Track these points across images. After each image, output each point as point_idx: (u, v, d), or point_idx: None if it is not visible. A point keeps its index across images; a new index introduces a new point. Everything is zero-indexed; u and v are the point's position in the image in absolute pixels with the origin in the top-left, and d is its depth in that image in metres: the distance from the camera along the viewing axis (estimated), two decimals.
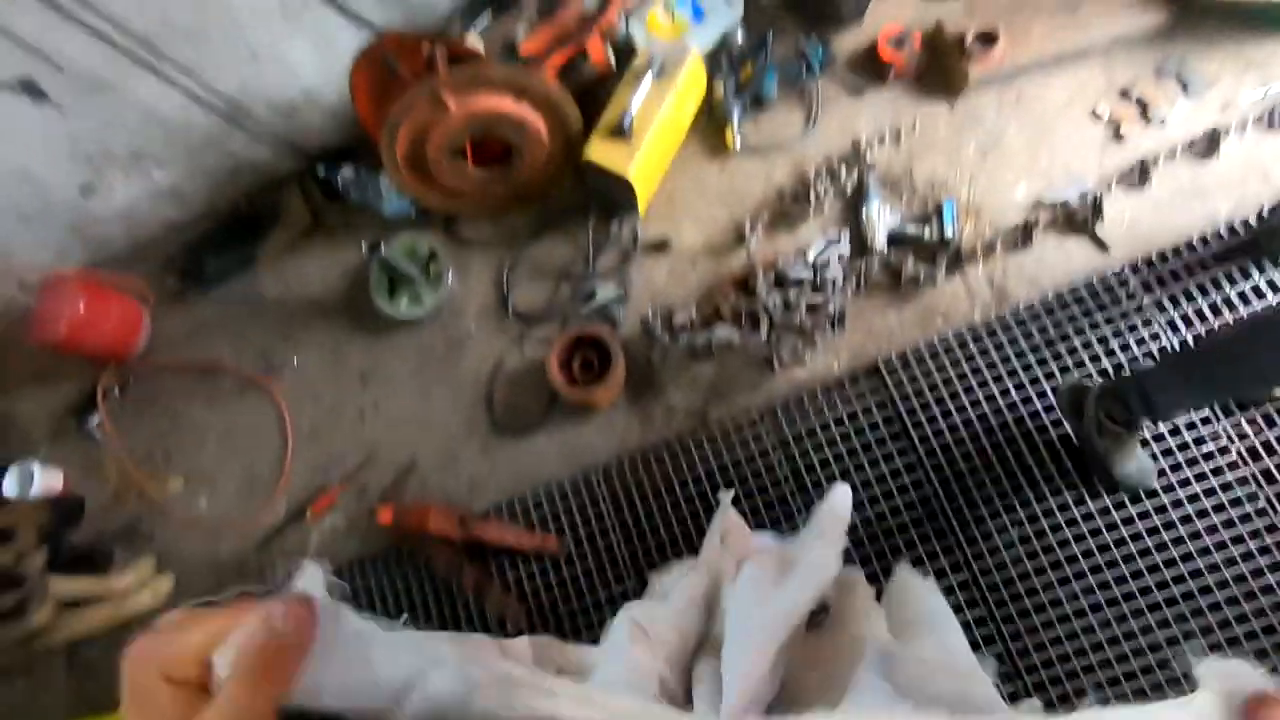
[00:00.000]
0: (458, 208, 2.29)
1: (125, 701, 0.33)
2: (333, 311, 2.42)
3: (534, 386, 2.15)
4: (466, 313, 2.30)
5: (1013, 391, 1.86)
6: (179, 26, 1.92)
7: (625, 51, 2.26)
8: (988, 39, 2.06)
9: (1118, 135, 2.04)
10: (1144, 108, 2.04)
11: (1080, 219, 1.96)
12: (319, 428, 2.31)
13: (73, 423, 2.48)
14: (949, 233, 1.99)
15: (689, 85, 2.10)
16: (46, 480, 2.35)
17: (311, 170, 2.47)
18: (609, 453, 2.06)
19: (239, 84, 2.16)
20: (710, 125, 2.27)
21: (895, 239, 2.03)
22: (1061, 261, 1.98)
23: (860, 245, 2.04)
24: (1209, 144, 1.95)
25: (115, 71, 1.97)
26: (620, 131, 1.99)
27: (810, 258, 2.01)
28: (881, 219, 2.03)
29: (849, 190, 2.10)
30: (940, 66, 2.17)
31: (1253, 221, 1.88)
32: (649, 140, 2.03)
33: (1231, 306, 1.83)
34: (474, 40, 2.07)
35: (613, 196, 2.17)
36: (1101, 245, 1.95)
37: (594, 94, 2.23)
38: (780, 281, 2.01)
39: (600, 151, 2.02)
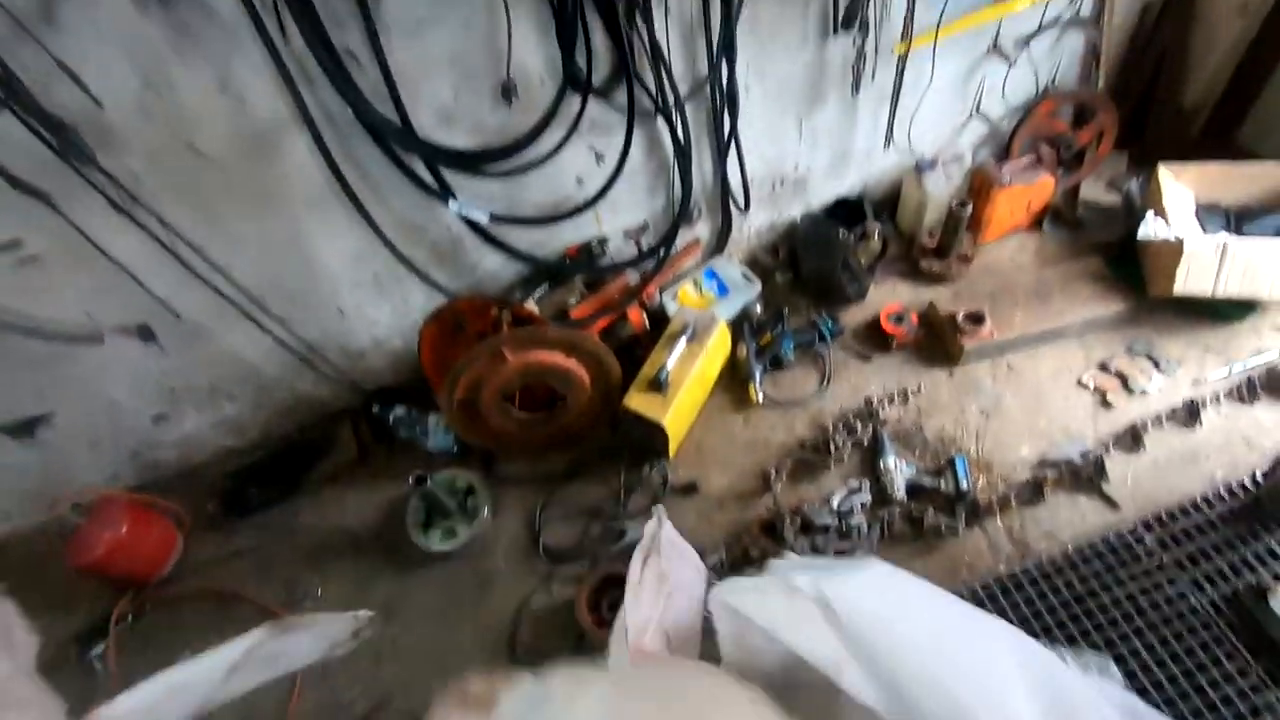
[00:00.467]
0: (500, 447, 2.46)
1: None
2: (365, 543, 2.47)
3: (560, 626, 2.13)
4: (497, 549, 2.35)
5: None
6: (286, 287, 2.26)
7: (658, 317, 2.60)
8: (976, 319, 2.38)
9: (1105, 403, 2.26)
10: (1124, 380, 2.30)
11: (1085, 477, 2.10)
12: (330, 667, 2.22)
13: (75, 652, 2.39)
14: (964, 485, 2.12)
15: (717, 347, 2.39)
16: None
17: (365, 407, 2.69)
18: None
19: (321, 332, 2.46)
20: (735, 382, 2.52)
21: (914, 489, 2.16)
22: (1075, 517, 2.07)
23: (881, 495, 2.16)
24: (1189, 414, 2.17)
25: (221, 320, 2.26)
26: (657, 385, 2.22)
27: (834, 505, 2.12)
28: (899, 470, 2.17)
29: (865, 442, 2.28)
30: (937, 339, 2.48)
31: (1249, 484, 2.01)
32: (682, 393, 2.25)
33: (1250, 568, 1.89)
34: (532, 305, 2.40)
35: (646, 442, 2.34)
36: (1111, 503, 2.07)
37: (630, 351, 2.53)
38: (806, 527, 2.09)
39: (639, 401, 2.23)
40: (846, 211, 2.72)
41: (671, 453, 2.36)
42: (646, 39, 1.88)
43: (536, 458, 2.51)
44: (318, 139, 1.86)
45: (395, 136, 1.88)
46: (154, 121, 1.74)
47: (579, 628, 2.03)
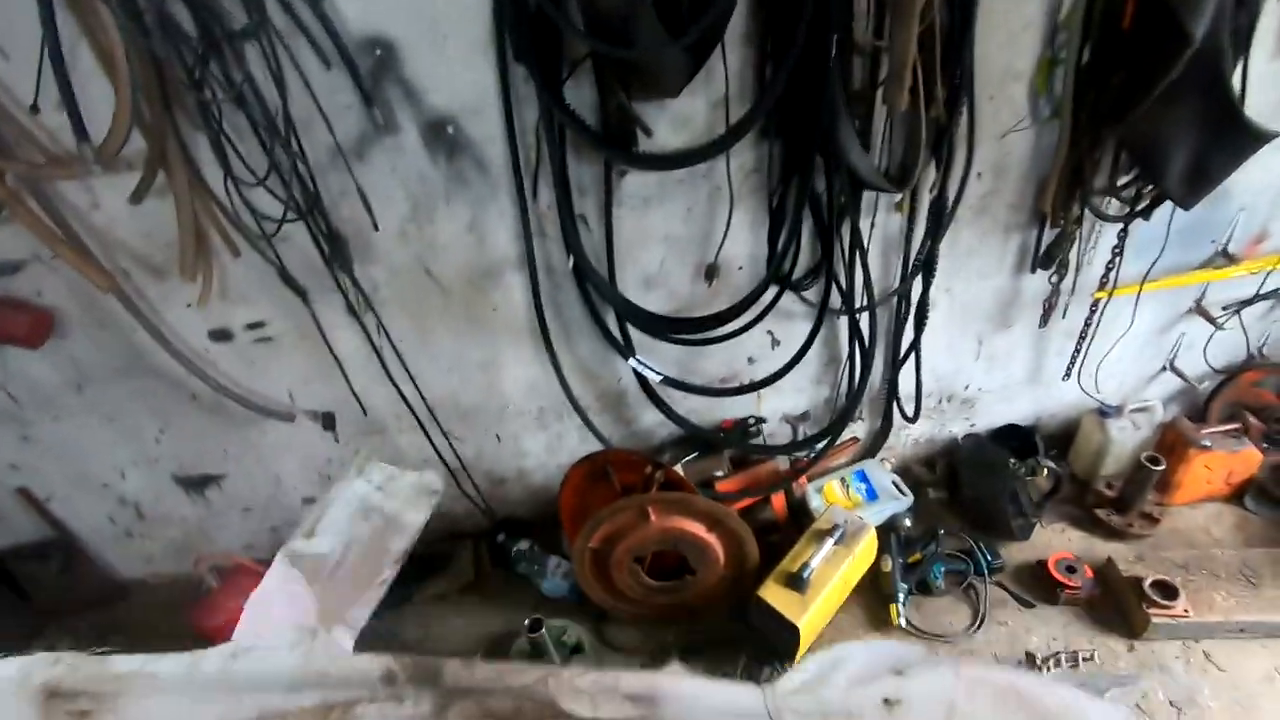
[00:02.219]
0: (617, 609, 2.36)
1: None
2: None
3: None
4: None
5: None
6: (460, 404, 2.40)
7: (798, 509, 2.51)
8: (1167, 590, 2.11)
9: None
10: None
11: None
12: None
13: None
14: None
15: (863, 555, 2.25)
16: None
17: (492, 533, 2.71)
18: None
19: (476, 452, 2.56)
20: (874, 597, 2.34)
21: None
22: None
23: None
24: None
25: (395, 423, 2.42)
26: (798, 582, 2.10)
27: None
28: None
29: None
30: (1115, 602, 2.21)
31: None
32: (822, 597, 2.10)
33: None
34: (678, 469, 2.40)
35: (771, 640, 2.18)
36: None
37: (764, 538, 2.43)
38: None
39: (775, 594, 2.11)
40: (1015, 441, 2.60)
41: (798, 658, 2.16)
42: (848, 245, 1.99)
43: (650, 627, 2.39)
44: (534, 280, 2.05)
45: (599, 289, 2.04)
46: (407, 245, 2.00)
47: None
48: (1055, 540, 2.44)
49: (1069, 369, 2.45)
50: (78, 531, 2.70)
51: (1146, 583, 2.12)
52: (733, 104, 1.76)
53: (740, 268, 2.13)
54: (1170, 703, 1.99)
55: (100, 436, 2.39)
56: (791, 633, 2.07)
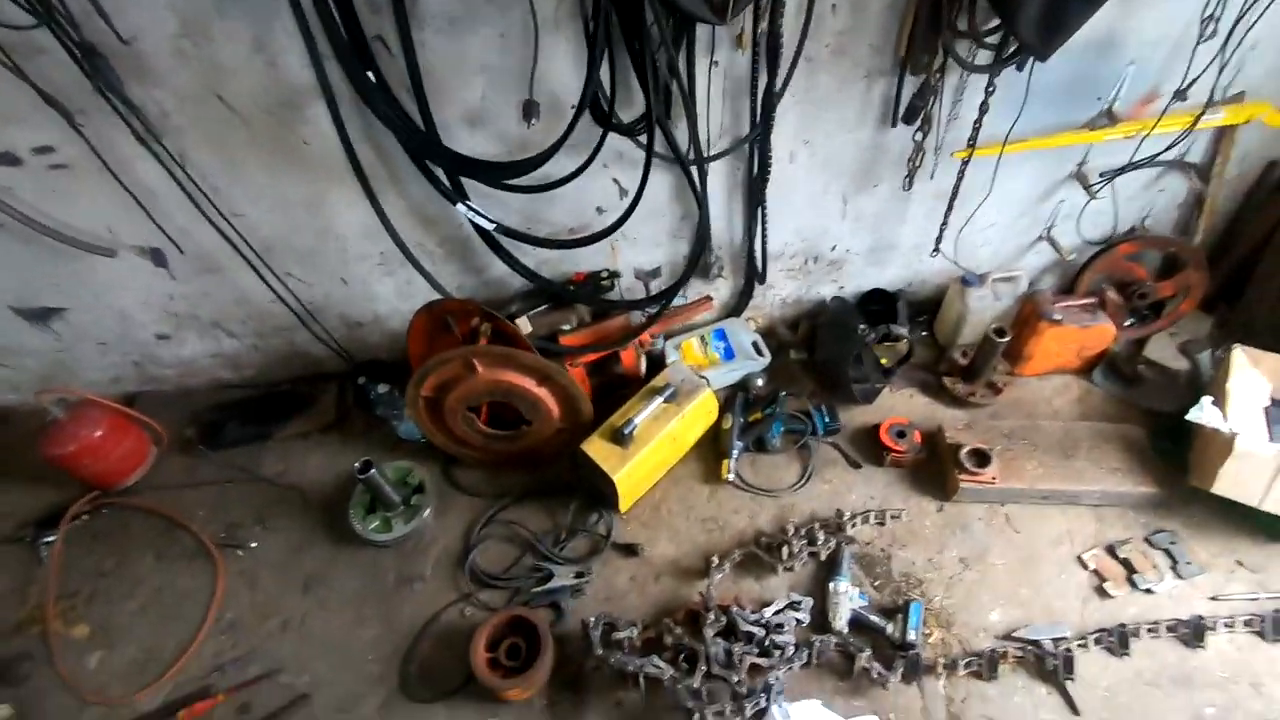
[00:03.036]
0: (461, 453, 2.41)
1: None
2: (311, 508, 2.48)
3: (460, 655, 2.05)
4: (430, 553, 2.30)
5: None
6: (294, 245, 2.28)
7: (659, 364, 2.49)
8: (981, 457, 2.16)
9: (1102, 590, 2.01)
10: (1130, 570, 2.03)
11: (1052, 667, 1.87)
12: (241, 621, 2.24)
13: (31, 532, 2.50)
14: (912, 636, 1.92)
15: (698, 413, 2.27)
16: None
17: (353, 376, 2.70)
18: None
19: (324, 296, 2.48)
20: (712, 453, 2.39)
21: (858, 623, 1.97)
22: (1027, 707, 1.85)
23: (821, 619, 1.98)
24: (1195, 632, 1.89)
25: (229, 262, 2.31)
26: (620, 437, 2.12)
27: (766, 615, 1.96)
28: (848, 598, 1.99)
29: (824, 557, 2.10)
30: (937, 467, 2.26)
31: None
32: (646, 451, 2.15)
33: None
34: (524, 323, 2.34)
35: (599, 489, 2.25)
36: (1072, 706, 1.82)
37: (619, 391, 2.44)
38: (729, 631, 1.94)
39: (597, 448, 2.14)
40: (882, 306, 2.53)
41: (623, 508, 2.25)
42: (681, 87, 1.79)
43: (494, 473, 2.46)
44: (335, 115, 1.86)
45: (390, 123, 1.85)
46: (188, 65, 1.77)
47: (469, 666, 1.95)
48: (901, 405, 2.46)
49: (938, 238, 2.32)
50: None
51: (963, 450, 2.16)
52: None
53: (573, 107, 1.92)
54: (960, 559, 2.11)
55: None
56: (610, 485, 2.12)
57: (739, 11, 1.58)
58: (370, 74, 1.75)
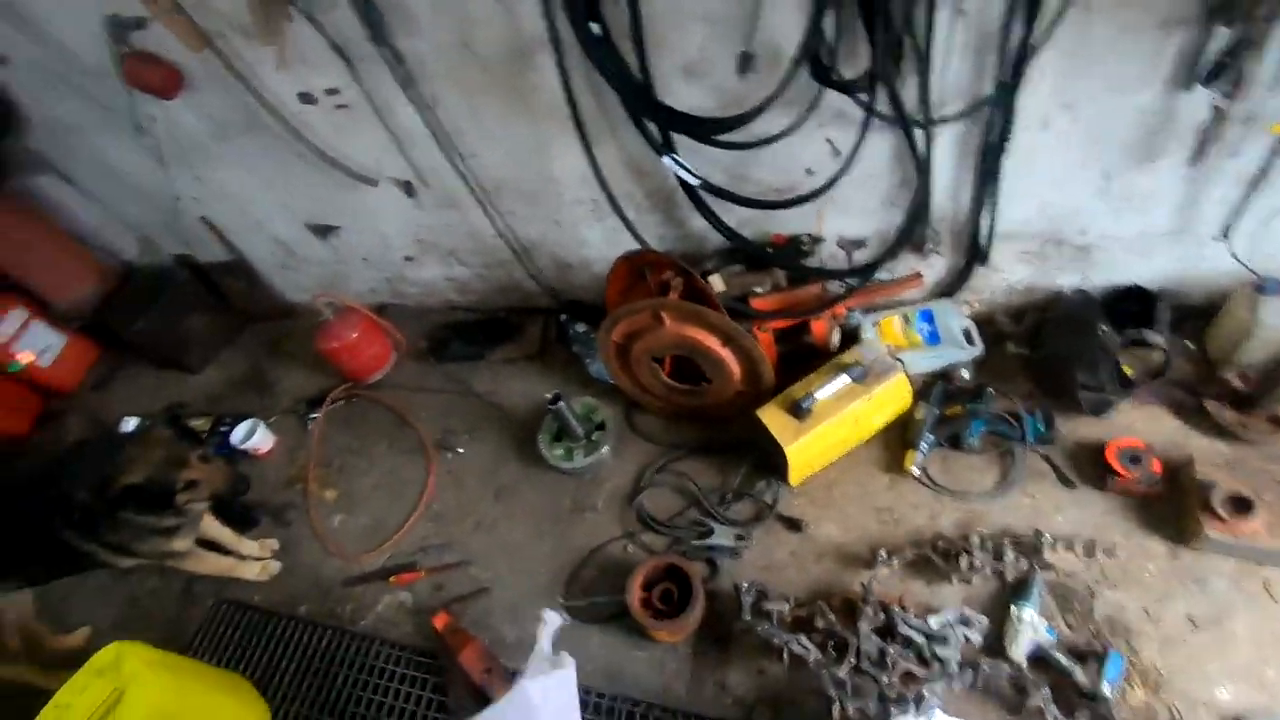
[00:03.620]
0: (642, 400, 2.51)
1: None
2: (512, 427, 2.75)
3: (615, 586, 2.19)
4: (602, 488, 2.45)
5: None
6: (519, 186, 2.47)
7: (850, 338, 2.36)
8: (1243, 505, 1.77)
9: None
10: None
11: None
12: (444, 514, 2.58)
13: (303, 408, 3.08)
14: (1106, 689, 1.67)
15: (888, 397, 2.12)
16: (262, 440, 2.94)
17: (557, 313, 2.90)
18: (645, 691, 1.98)
19: (539, 235, 2.67)
20: (897, 440, 2.23)
21: (1038, 658, 1.76)
22: None
23: (996, 643, 1.80)
24: None
25: (462, 199, 2.57)
26: (798, 409, 2.06)
27: (933, 624, 1.82)
28: (1033, 627, 1.78)
29: (1010, 578, 1.89)
30: (1175, 503, 1.90)
31: None
32: (824, 427, 2.06)
33: None
34: (717, 281, 2.33)
35: (771, 458, 2.21)
36: None
37: (807, 361, 2.36)
38: (888, 630, 1.84)
39: (772, 417, 2.10)
40: (1137, 307, 2.13)
41: (793, 481, 2.20)
42: (915, 39, 1.60)
43: (671, 423, 2.52)
44: (560, 60, 1.94)
45: (608, 74, 1.88)
46: (444, 16, 1.96)
47: (624, 599, 2.06)
48: (1140, 425, 2.09)
49: (1225, 228, 1.87)
50: (251, 259, 3.34)
51: (1219, 490, 1.78)
52: None
53: (796, 60, 1.82)
54: (1189, 617, 1.78)
55: (248, 183, 2.83)
56: (782, 456, 2.08)
57: None
58: (595, 25, 1.79)
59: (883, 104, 1.76)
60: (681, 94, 1.96)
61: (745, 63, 1.79)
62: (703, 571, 2.13)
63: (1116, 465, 1.94)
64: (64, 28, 2.30)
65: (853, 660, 1.79)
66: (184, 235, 3.34)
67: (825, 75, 1.70)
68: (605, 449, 2.46)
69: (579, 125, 2.10)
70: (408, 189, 2.62)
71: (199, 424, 3.12)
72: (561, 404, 2.34)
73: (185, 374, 3.53)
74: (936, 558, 1.95)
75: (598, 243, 2.64)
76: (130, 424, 3.19)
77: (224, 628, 2.50)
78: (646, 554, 2.24)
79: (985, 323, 2.36)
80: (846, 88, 1.73)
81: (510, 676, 2.04)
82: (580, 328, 2.78)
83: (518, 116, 2.20)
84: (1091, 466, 2.04)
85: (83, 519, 1.96)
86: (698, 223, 2.42)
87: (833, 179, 1.93)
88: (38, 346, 3.50)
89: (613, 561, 2.27)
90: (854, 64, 1.73)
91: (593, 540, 2.34)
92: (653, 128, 2.04)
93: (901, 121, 1.72)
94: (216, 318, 3.56)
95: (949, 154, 1.92)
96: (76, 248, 3.44)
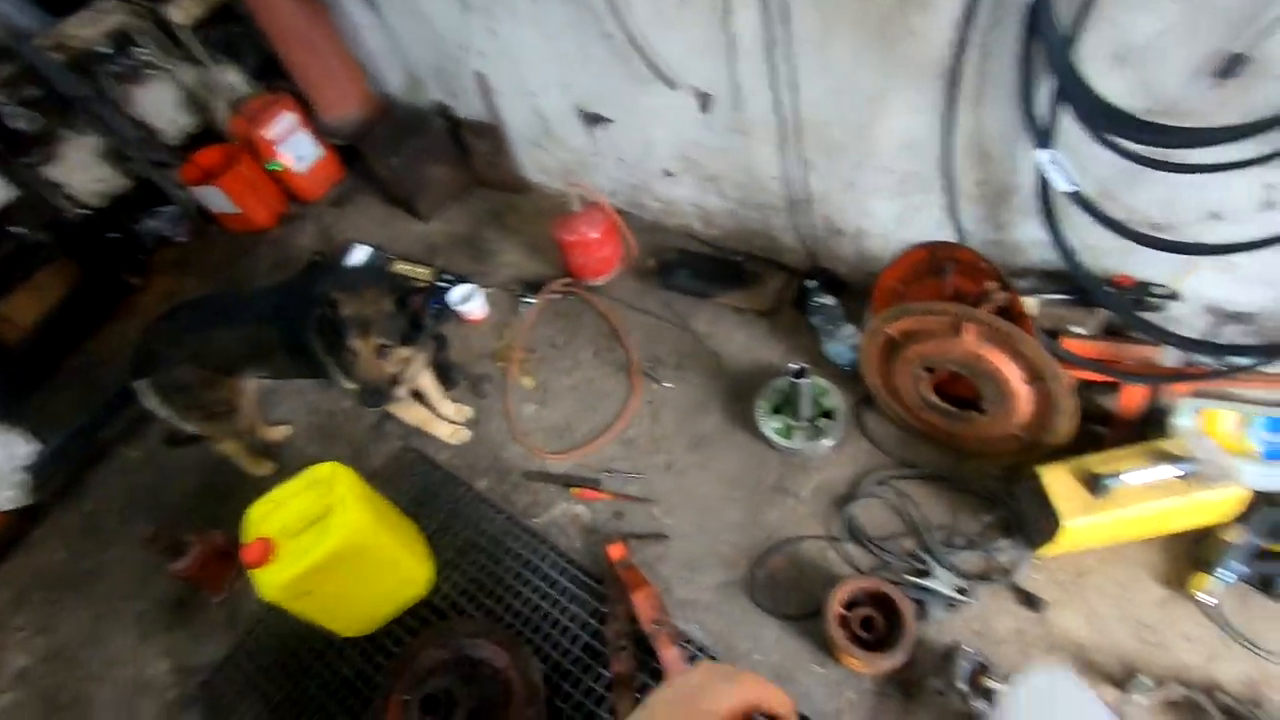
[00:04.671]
0: (885, 402, 2.26)
1: None
2: (721, 377, 2.60)
3: (805, 587, 2.04)
4: (811, 478, 2.27)
5: None
6: (829, 134, 2.20)
7: (1153, 417, 1.99)
8: None
9: None
10: None
11: None
12: (636, 441, 2.50)
13: (519, 288, 3.07)
14: None
15: (1206, 507, 1.76)
16: (478, 307, 2.97)
17: (804, 276, 2.66)
18: (814, 712, 1.84)
19: (823, 191, 2.41)
20: (1187, 552, 1.88)
21: None
22: None
23: None
24: None
25: (758, 129, 2.34)
26: (1095, 484, 1.75)
27: None
28: None
29: None
30: None
31: None
32: (1114, 515, 1.75)
33: None
34: (1031, 304, 2.00)
35: (1027, 519, 1.94)
36: None
37: (1090, 425, 2.02)
38: None
39: (1058, 480, 1.81)
40: None
41: (1045, 553, 1.92)
42: None
43: (908, 435, 2.27)
44: (969, 11, 1.63)
45: (1048, 44, 1.55)
46: None
47: (816, 605, 1.90)
48: None
49: None
50: (506, 125, 3.30)
51: None
52: None
53: None
54: None
55: (539, 50, 2.73)
56: (1052, 526, 1.80)
57: None
58: None
59: None
60: (1101, 81, 1.60)
61: (1231, 65, 1.41)
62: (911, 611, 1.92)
63: None
64: None
65: None
66: (452, 85, 3.33)
67: None
68: (829, 441, 2.25)
69: (953, 84, 1.79)
70: (704, 102, 2.41)
71: (422, 273, 3.20)
72: (805, 380, 2.14)
73: (412, 218, 3.62)
74: (1214, 711, 1.63)
75: (884, 218, 2.35)
76: (360, 252, 3.32)
77: (407, 474, 2.59)
78: (850, 567, 2.05)
79: None
80: None
81: (680, 639, 1.97)
82: (828, 300, 2.54)
83: (873, 57, 1.92)
84: None
85: (325, 331, 2.04)
86: (1023, 232, 2.08)
87: (1254, 244, 1.54)
88: (298, 153, 3.68)
89: (808, 560, 2.11)
90: None
91: (788, 528, 2.18)
92: (1042, 111, 1.71)
93: None
94: (456, 173, 3.59)
95: None
96: (356, 69, 3.53)
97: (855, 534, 2.11)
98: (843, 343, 2.46)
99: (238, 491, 2.43)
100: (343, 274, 2.16)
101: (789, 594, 2.05)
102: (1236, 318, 1.87)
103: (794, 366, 2.15)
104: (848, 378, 2.42)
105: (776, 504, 2.24)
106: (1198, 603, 1.80)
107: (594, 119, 2.87)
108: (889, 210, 2.31)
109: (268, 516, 1.92)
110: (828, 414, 2.31)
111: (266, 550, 1.83)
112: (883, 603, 1.87)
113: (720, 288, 2.82)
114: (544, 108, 3.02)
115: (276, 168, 3.65)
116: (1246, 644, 1.74)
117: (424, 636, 2.00)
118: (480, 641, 1.95)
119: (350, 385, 2.17)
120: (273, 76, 3.66)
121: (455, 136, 3.53)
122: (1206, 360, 1.89)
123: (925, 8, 1.73)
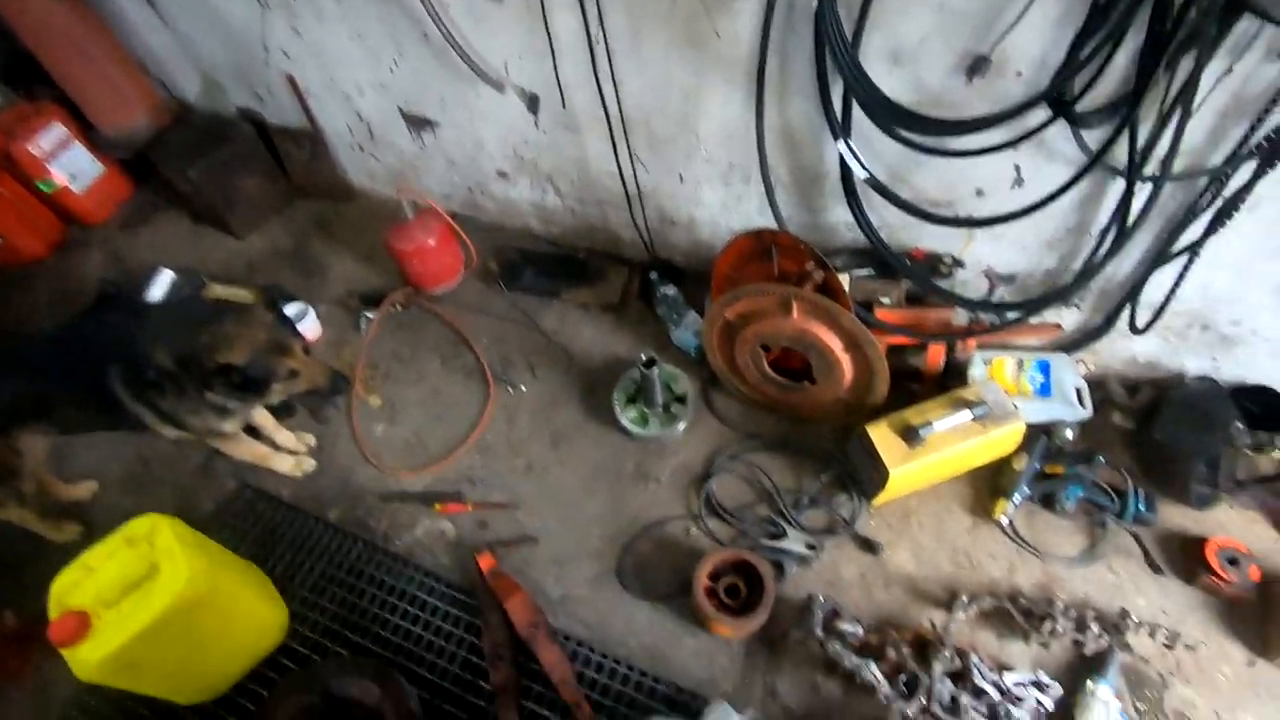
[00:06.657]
0: (730, 382, 2.40)
1: None
2: (574, 373, 2.62)
3: (672, 566, 2.12)
4: (668, 462, 2.36)
5: None
6: (654, 128, 2.29)
7: (956, 369, 2.27)
8: None
9: None
10: None
11: None
12: (494, 448, 2.47)
13: (356, 303, 2.91)
14: None
15: (997, 443, 2.05)
16: (310, 327, 2.77)
17: (647, 269, 2.76)
18: (689, 680, 1.93)
19: (653, 185, 2.50)
20: (988, 485, 2.17)
21: None
22: None
23: (1063, 712, 1.78)
24: None
25: (589, 126, 2.39)
26: (911, 435, 1.98)
27: (1006, 681, 1.79)
28: (1105, 708, 1.76)
29: (1088, 651, 1.86)
30: (1261, 613, 1.89)
31: None
32: (930, 460, 1.99)
33: None
34: (845, 280, 2.21)
35: (861, 474, 2.14)
36: None
37: (905, 382, 2.27)
38: (960, 676, 1.80)
39: (882, 436, 2.02)
40: (1258, 407, 2.08)
41: (878, 501, 2.14)
42: (1175, 87, 1.47)
43: (752, 410, 2.43)
44: (769, 10, 1.76)
45: (834, 49, 1.72)
46: None
47: (684, 581, 1.99)
48: (1236, 527, 2.06)
49: None
50: (325, 130, 3.10)
51: None
52: None
53: (1019, 73, 1.67)
54: None
55: (350, 50, 2.59)
56: (882, 477, 2.01)
57: None
58: None
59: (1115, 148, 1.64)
60: (880, 79, 1.80)
61: (977, 66, 1.64)
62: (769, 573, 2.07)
63: (1214, 564, 1.91)
64: None
65: (923, 700, 1.75)
66: (257, 88, 3.08)
67: (1065, 106, 1.56)
68: (682, 424, 2.35)
69: (759, 83, 1.93)
70: (532, 102, 2.42)
71: (242, 294, 2.93)
72: (656, 369, 2.22)
73: (225, 235, 3.31)
74: (1017, 615, 1.91)
75: (713, 207, 2.49)
76: (167, 276, 2.98)
77: (247, 516, 2.37)
78: (711, 540, 2.16)
79: (1096, 386, 2.29)
80: (1079, 120, 1.60)
81: (558, 637, 1.98)
82: (670, 290, 2.65)
83: (684, 55, 2.02)
84: (1182, 557, 2.01)
85: (151, 381, 1.80)
86: (834, 215, 2.29)
87: (1011, 214, 1.81)
88: (72, 170, 3.23)
89: (672, 540, 2.19)
90: (1092, 96, 1.59)
91: (651, 512, 2.25)
92: (835, 106, 1.89)
93: (1131, 172, 1.60)
94: (272, 183, 3.33)
95: (1136, 213, 1.80)
96: (137, 73, 3.17)
97: (714, 508, 2.22)
98: (688, 329, 2.57)
99: (33, 563, 2.11)
100: (156, 322, 1.91)
101: (658, 575, 2.12)
102: (1007, 279, 2.18)
103: (644, 357, 2.22)
104: (695, 362, 2.54)
105: (638, 490, 2.31)
106: (998, 524, 2.09)
107: (419, 121, 2.78)
108: (716, 198, 2.45)
109: (78, 585, 1.68)
110: (680, 399, 2.41)
111: (79, 625, 1.59)
112: (744, 569, 1.99)
113: (566, 285, 2.84)
114: (365, 111, 2.88)
115: (51, 188, 3.17)
116: (1034, 552, 2.04)
117: (283, 686, 1.84)
118: (348, 679, 1.84)
119: (172, 433, 1.96)
120: (30, 82, 3.18)
121: (268, 143, 3.26)
122: (988, 316, 2.19)
123: (727, 11, 1.85)
